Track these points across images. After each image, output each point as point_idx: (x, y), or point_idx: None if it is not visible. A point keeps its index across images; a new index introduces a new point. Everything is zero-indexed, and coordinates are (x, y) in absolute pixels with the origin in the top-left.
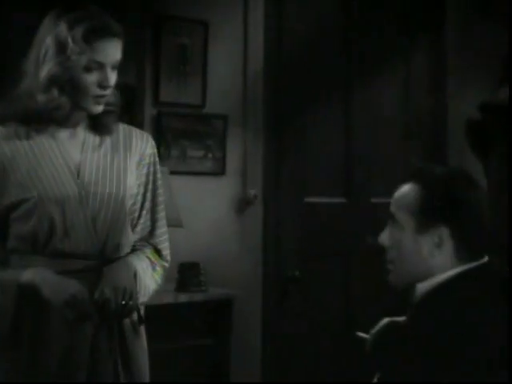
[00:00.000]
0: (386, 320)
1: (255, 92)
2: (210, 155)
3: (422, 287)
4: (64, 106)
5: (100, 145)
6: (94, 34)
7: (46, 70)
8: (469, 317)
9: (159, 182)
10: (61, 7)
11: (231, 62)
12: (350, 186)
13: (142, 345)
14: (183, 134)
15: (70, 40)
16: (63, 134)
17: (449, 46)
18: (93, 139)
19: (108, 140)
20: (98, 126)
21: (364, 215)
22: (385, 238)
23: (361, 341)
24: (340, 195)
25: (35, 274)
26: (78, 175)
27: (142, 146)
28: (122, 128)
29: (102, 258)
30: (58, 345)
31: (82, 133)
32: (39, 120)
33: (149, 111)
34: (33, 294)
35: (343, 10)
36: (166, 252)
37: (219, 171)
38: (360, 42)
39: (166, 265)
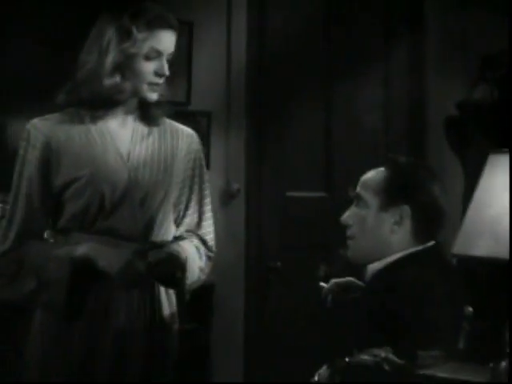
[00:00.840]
0: (349, 278)
1: (238, 90)
2: None
3: (373, 267)
4: (126, 91)
5: (148, 135)
6: (156, 24)
7: (111, 56)
8: (412, 293)
9: (206, 177)
10: (118, 5)
11: (215, 61)
12: (330, 181)
13: (174, 321)
14: None
15: (134, 28)
16: (115, 122)
17: (428, 43)
18: (141, 129)
19: (156, 131)
20: (147, 116)
21: (344, 209)
22: (348, 216)
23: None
24: (320, 189)
25: (89, 248)
26: (128, 160)
27: (187, 140)
28: (169, 122)
29: (144, 242)
30: (109, 314)
31: (132, 122)
32: (102, 103)
33: None
34: (88, 266)
35: (324, 10)
36: (212, 243)
37: None
38: (341, 40)
39: (212, 255)
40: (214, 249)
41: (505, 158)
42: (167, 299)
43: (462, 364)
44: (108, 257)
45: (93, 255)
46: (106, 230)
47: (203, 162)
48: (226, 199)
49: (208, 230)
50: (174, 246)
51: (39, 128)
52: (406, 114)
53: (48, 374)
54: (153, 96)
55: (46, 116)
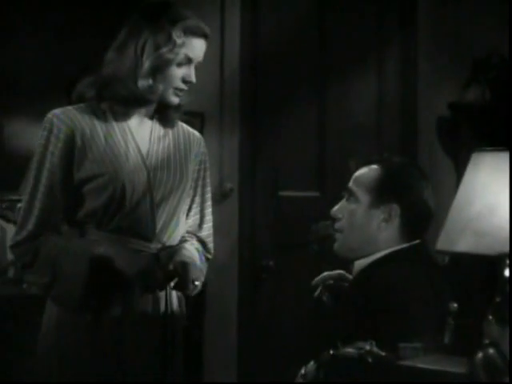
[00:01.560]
0: (340, 271)
1: (231, 90)
2: None
3: (360, 263)
4: (157, 92)
5: (164, 136)
6: (192, 31)
7: (149, 60)
8: (394, 287)
9: (208, 180)
10: (154, 8)
11: (208, 62)
12: (322, 181)
13: (183, 317)
14: None
15: (174, 34)
16: (134, 121)
17: (421, 44)
18: (158, 130)
19: (170, 133)
20: (163, 118)
21: None
22: (338, 210)
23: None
24: (313, 189)
25: (108, 248)
26: (147, 159)
27: (197, 143)
28: (181, 125)
29: (158, 243)
30: (123, 314)
31: (149, 123)
32: (136, 101)
33: None
34: (106, 265)
35: (317, 11)
36: (211, 245)
37: None
38: (334, 40)
39: (210, 256)
40: (212, 251)
41: (487, 157)
42: (176, 296)
43: (444, 356)
44: (126, 259)
45: (111, 255)
46: (123, 228)
47: (207, 166)
48: (219, 199)
49: (208, 232)
50: (187, 253)
51: (63, 119)
52: (399, 115)
53: (64, 370)
54: (175, 101)
55: (67, 108)
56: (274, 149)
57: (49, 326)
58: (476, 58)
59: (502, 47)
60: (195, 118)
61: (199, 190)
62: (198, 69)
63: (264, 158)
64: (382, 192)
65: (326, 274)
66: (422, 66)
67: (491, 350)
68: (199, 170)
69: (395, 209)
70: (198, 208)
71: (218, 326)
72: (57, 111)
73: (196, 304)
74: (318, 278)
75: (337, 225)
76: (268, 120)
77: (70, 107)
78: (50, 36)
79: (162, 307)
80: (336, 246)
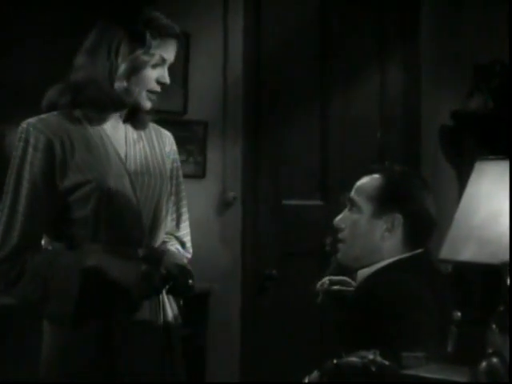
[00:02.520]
0: (343, 277)
1: (234, 99)
2: (191, 159)
3: (363, 273)
4: (133, 95)
5: (138, 138)
6: (166, 32)
7: (127, 62)
8: (396, 296)
9: (181, 179)
10: (127, 10)
11: (212, 71)
12: (325, 189)
13: (178, 323)
14: None
15: (149, 35)
16: (108, 125)
17: (423, 53)
18: (132, 132)
19: (143, 134)
20: (136, 121)
21: None
22: (340, 220)
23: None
24: (316, 198)
25: (99, 259)
26: (126, 163)
27: (169, 142)
28: (152, 125)
29: (146, 248)
30: (121, 325)
31: (123, 126)
32: (111, 105)
33: None
34: (99, 276)
35: (320, 19)
36: (189, 244)
37: (200, 174)
38: (336, 48)
39: (189, 256)
40: (191, 250)
41: (490, 166)
42: (168, 302)
43: (447, 365)
44: (121, 267)
45: (105, 266)
46: (115, 235)
47: (179, 164)
48: (222, 207)
49: (186, 231)
50: (176, 255)
51: (39, 128)
52: (402, 124)
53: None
54: (148, 104)
55: (41, 116)
56: (277, 157)
57: (51, 349)
58: (476, 67)
59: (504, 55)
60: (198, 127)
61: (174, 188)
62: (201, 77)
63: (267, 167)
64: (384, 202)
65: (327, 278)
66: (424, 74)
67: (495, 359)
68: (172, 169)
69: (398, 218)
70: (174, 207)
71: (221, 334)
72: (32, 120)
73: (199, 312)
74: (320, 282)
75: (340, 235)
76: (271, 129)
77: (43, 116)
78: (52, 45)
79: (159, 316)
80: (339, 255)
